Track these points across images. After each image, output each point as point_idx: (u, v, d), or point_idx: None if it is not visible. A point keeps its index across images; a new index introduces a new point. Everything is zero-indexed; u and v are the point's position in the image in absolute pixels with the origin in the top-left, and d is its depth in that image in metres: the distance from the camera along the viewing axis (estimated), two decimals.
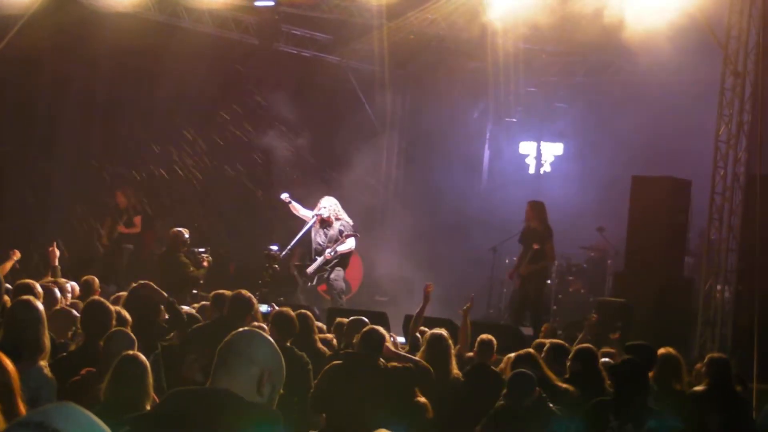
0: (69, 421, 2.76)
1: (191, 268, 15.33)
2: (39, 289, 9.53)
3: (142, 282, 9.71)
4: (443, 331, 10.09)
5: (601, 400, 8.14)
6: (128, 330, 7.70)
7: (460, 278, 19.75)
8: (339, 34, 22.40)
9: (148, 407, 6.25)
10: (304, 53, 23.09)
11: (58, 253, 12.99)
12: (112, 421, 2.94)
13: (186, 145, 21.07)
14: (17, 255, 12.46)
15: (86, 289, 11.58)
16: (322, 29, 22.57)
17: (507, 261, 19.91)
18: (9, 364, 5.26)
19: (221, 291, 10.54)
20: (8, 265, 12.26)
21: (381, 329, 9.18)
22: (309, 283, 16.63)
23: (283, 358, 4.23)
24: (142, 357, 6.52)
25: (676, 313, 15.95)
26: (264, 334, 4.34)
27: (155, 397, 6.57)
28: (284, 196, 17.26)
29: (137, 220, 19.71)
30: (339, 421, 8.45)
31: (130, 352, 6.60)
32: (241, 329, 4.42)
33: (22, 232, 18.82)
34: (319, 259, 16.66)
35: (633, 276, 16.73)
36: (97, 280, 11.99)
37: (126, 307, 9.28)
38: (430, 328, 10.50)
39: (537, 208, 16.45)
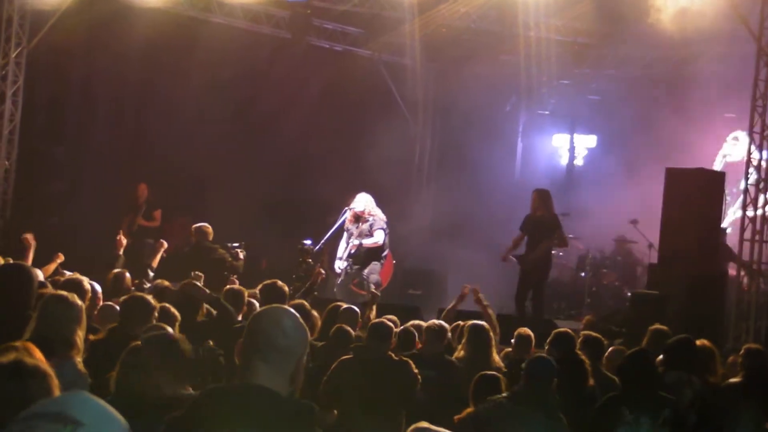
0: (85, 410, 2.82)
1: (230, 259, 15.36)
2: (86, 285, 9.55)
3: (185, 282, 9.56)
4: (483, 323, 10.11)
5: (612, 395, 8.08)
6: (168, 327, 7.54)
7: (491, 271, 19.69)
8: (371, 27, 22.39)
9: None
10: (335, 47, 23.10)
11: (124, 242, 13.07)
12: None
13: (217, 139, 21.11)
14: (61, 258, 12.50)
15: (116, 283, 11.40)
16: (354, 23, 22.57)
17: None
18: (41, 358, 5.23)
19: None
20: (52, 266, 12.30)
21: (388, 322, 9.17)
22: (339, 279, 16.57)
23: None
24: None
25: (710, 306, 15.86)
26: (295, 313, 4.20)
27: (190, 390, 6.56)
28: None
29: (157, 214, 19.54)
30: (351, 416, 8.38)
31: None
32: (272, 307, 4.32)
33: (52, 227, 18.88)
34: (342, 251, 16.56)
35: (666, 268, 16.64)
36: (128, 274, 11.89)
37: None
38: (464, 321, 10.50)
39: (544, 197, 16.32)
